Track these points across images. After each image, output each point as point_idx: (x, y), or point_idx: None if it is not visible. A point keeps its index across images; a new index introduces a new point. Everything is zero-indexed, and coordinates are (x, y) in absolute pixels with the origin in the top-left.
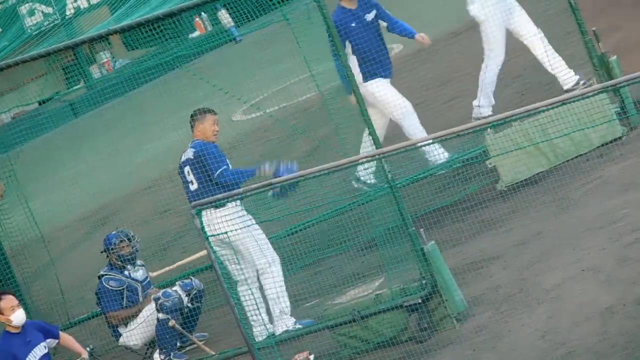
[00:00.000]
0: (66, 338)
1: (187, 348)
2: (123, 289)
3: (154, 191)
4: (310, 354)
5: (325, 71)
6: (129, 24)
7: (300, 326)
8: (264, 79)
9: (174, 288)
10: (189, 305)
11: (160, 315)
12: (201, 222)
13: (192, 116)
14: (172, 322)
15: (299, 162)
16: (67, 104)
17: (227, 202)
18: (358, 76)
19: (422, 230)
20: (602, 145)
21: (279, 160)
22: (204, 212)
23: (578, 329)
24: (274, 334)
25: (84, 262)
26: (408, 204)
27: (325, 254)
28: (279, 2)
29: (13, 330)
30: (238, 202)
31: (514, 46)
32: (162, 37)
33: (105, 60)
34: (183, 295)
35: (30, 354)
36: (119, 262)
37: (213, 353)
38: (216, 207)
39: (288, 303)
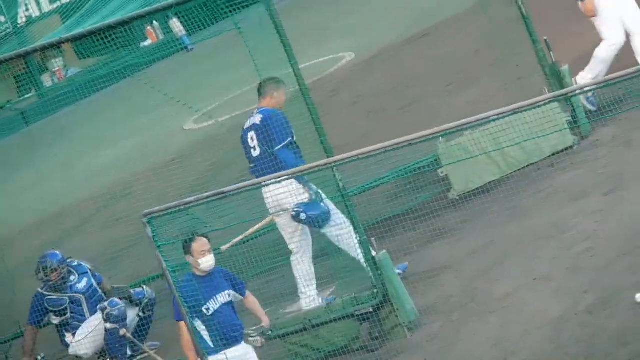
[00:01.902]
0: (251, 300)
1: (138, 357)
2: (64, 308)
3: (108, 198)
4: None
5: None
6: (81, 32)
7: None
8: (215, 88)
9: (137, 289)
10: (141, 314)
11: (108, 325)
12: (152, 231)
13: (266, 83)
14: (123, 331)
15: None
16: (19, 112)
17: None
18: None
19: (373, 239)
20: (554, 154)
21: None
22: (265, 189)
23: (530, 337)
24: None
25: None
26: (359, 213)
27: (277, 263)
28: (230, 11)
29: (198, 273)
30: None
31: None
32: (114, 45)
33: (57, 68)
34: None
35: (212, 299)
36: (59, 282)
37: None
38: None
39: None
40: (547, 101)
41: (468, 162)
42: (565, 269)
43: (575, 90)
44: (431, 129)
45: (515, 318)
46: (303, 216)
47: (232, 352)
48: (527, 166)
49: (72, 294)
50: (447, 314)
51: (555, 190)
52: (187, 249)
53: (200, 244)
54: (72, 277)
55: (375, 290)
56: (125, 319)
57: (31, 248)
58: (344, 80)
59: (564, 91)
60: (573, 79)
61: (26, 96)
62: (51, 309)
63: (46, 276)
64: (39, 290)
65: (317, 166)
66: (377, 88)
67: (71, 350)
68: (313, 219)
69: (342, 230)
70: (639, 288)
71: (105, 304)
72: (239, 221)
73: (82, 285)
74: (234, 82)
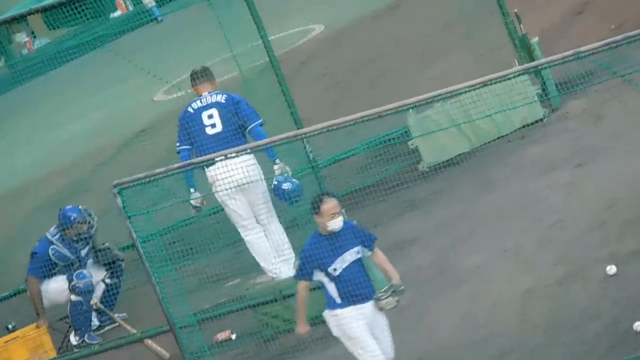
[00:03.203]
0: (380, 255)
1: (107, 327)
2: (66, 265)
3: (75, 170)
4: (232, 332)
5: (247, 51)
6: (50, 3)
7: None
8: (185, 59)
9: None
10: (108, 280)
11: (73, 297)
12: (123, 202)
13: (207, 69)
14: (94, 301)
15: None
16: None
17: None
18: None
19: (343, 210)
20: (524, 126)
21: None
22: (217, 164)
23: (499, 310)
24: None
25: (1, 241)
26: (329, 184)
27: None
28: None
29: (324, 233)
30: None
31: None
32: (84, 16)
33: (26, 39)
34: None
35: (339, 259)
36: (74, 238)
37: (135, 331)
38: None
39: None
40: (517, 73)
41: (438, 135)
42: (534, 242)
43: (544, 63)
44: (401, 101)
45: (484, 291)
46: (286, 185)
47: (359, 309)
48: (497, 139)
49: (75, 258)
50: (416, 286)
51: (525, 163)
52: (316, 209)
53: (330, 206)
54: (80, 244)
55: None
56: (92, 291)
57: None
58: (313, 53)
59: (533, 64)
60: None
61: None
62: (53, 259)
63: (71, 227)
64: (48, 237)
65: (286, 137)
66: (347, 61)
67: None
68: (291, 191)
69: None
70: (608, 261)
71: (74, 275)
72: (207, 192)
73: (84, 252)
74: (204, 54)
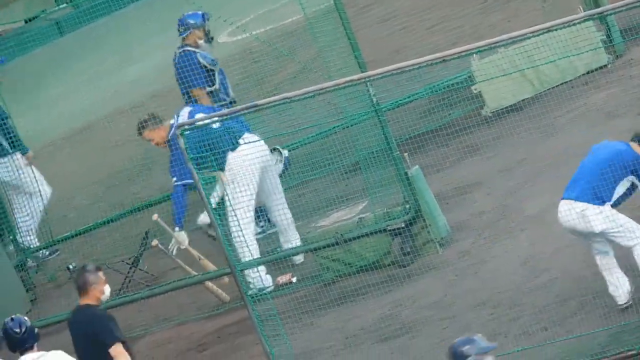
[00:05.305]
0: None
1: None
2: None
3: (141, 111)
4: (292, 276)
5: None
6: None
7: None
8: (249, 1)
9: None
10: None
11: None
12: (185, 144)
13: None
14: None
15: (285, 84)
16: (54, 22)
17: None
18: None
19: (406, 154)
20: (587, 72)
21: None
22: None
23: (560, 255)
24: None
25: (66, 180)
26: (392, 128)
27: (309, 177)
28: None
29: None
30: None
31: None
32: None
33: None
34: None
35: None
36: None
37: (195, 273)
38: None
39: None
40: (581, 20)
41: (501, 80)
42: None
43: (609, 9)
44: (465, 46)
45: (546, 236)
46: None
47: None
48: (560, 84)
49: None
50: (478, 231)
51: (589, 109)
52: None
53: None
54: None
55: (407, 206)
56: None
57: (60, 161)
58: None
59: (598, 10)
60: None
61: (61, 6)
62: (204, 62)
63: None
64: (187, 49)
65: (350, 80)
66: (410, 5)
67: None
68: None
69: None
70: None
71: None
72: (273, 134)
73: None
74: None
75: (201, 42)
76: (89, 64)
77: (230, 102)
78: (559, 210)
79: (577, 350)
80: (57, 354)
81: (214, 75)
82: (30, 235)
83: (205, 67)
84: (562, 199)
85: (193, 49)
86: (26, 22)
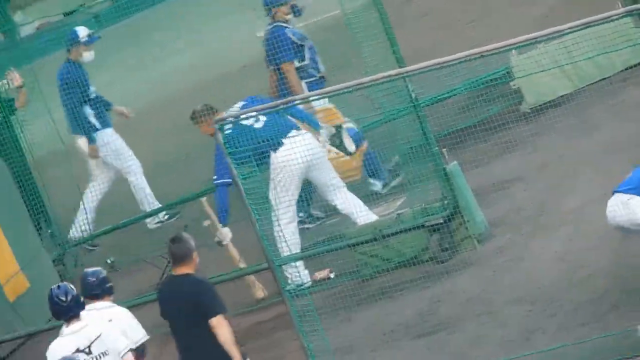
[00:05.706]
0: None
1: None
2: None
3: (179, 104)
4: (331, 271)
5: None
6: None
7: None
8: None
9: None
10: None
11: None
12: (223, 138)
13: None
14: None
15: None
16: (92, 16)
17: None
18: None
19: (444, 150)
20: (626, 69)
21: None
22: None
23: (597, 251)
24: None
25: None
26: (431, 124)
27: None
28: None
29: None
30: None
31: None
32: None
33: None
34: None
35: None
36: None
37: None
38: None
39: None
40: (620, 15)
41: (540, 75)
42: None
43: None
44: (504, 42)
45: (583, 232)
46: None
47: None
48: (599, 80)
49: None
50: (516, 227)
51: (627, 105)
52: None
53: None
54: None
55: (445, 202)
56: None
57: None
58: None
59: (637, 6)
60: None
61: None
62: (293, 38)
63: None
64: (277, 24)
65: (389, 76)
66: (449, 0)
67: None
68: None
69: None
70: None
71: None
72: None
73: None
74: None
75: (289, 17)
76: (129, 56)
77: (321, 78)
78: (607, 204)
79: (611, 348)
80: (124, 310)
81: (303, 50)
82: (86, 225)
83: (295, 42)
84: (613, 192)
85: (283, 25)
86: (65, 15)
